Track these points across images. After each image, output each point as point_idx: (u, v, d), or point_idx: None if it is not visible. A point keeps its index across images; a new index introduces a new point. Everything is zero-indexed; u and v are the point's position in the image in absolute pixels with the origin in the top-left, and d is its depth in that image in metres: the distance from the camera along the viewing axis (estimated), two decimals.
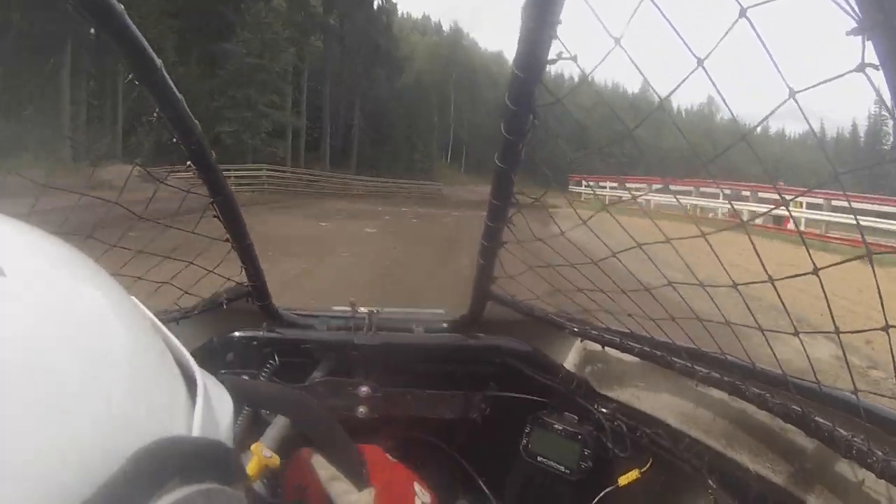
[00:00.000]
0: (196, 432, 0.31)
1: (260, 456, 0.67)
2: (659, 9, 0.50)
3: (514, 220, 0.88)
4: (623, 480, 1.01)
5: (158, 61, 0.70)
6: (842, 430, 0.60)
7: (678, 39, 0.48)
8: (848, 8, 0.35)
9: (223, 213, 0.97)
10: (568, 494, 1.09)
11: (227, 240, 1.02)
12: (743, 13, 0.42)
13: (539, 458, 1.13)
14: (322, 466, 0.72)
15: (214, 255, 1.06)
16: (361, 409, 1.18)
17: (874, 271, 0.56)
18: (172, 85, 0.73)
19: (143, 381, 0.30)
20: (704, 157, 0.60)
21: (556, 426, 1.12)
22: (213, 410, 0.35)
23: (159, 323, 0.38)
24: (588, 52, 0.56)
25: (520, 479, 1.18)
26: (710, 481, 0.84)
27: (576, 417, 1.12)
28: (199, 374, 0.36)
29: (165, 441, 0.28)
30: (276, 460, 0.67)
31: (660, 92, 0.53)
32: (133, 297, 0.36)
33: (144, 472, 0.26)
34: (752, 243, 0.59)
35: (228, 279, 1.16)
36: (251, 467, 0.68)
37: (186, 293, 1.10)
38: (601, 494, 1.04)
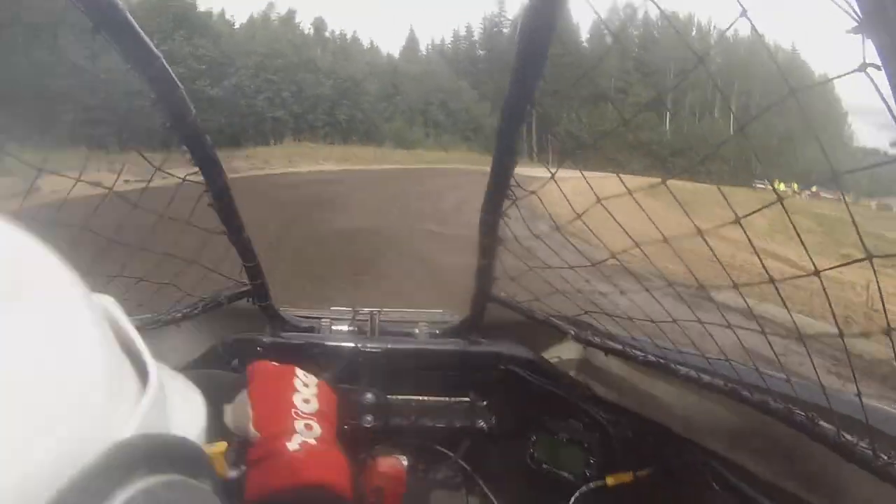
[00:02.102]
0: (133, 429, 0.30)
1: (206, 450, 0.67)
2: (659, 8, 0.50)
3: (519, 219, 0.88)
4: (612, 481, 1.01)
5: (158, 53, 0.70)
6: (845, 434, 0.60)
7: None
8: (847, 7, 0.36)
9: (220, 206, 0.93)
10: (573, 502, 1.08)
11: (222, 232, 0.99)
12: (743, 13, 0.42)
13: (545, 466, 1.13)
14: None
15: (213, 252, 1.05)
16: (368, 418, 1.17)
17: (875, 274, 0.55)
18: (172, 73, 0.73)
19: (88, 377, 0.30)
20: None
21: (562, 434, 1.12)
22: (165, 408, 0.35)
23: (118, 313, 0.38)
24: None
25: (526, 489, 1.18)
26: (714, 486, 0.83)
27: (580, 425, 1.12)
28: (153, 368, 0.35)
29: (134, 436, 0.30)
30: (221, 446, 0.67)
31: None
32: (86, 289, 0.35)
33: (114, 464, 0.27)
34: (749, 240, 0.59)
35: (228, 277, 1.15)
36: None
37: (186, 294, 1.09)
38: (584, 489, 1.03)
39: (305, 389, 0.76)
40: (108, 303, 0.38)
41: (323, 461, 0.68)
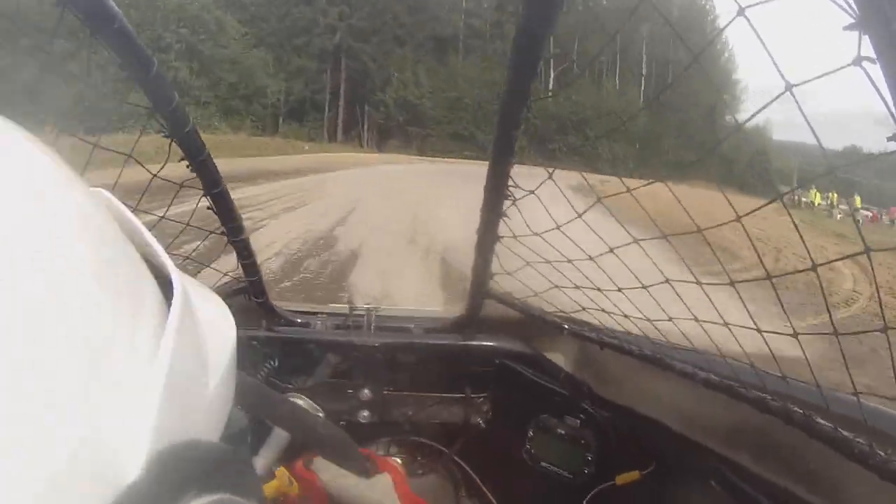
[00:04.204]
0: (166, 357, 0.25)
1: (283, 482, 0.67)
2: (657, 9, 0.50)
3: (514, 215, 0.88)
4: (621, 480, 1.00)
5: (154, 59, 0.70)
6: (843, 432, 0.60)
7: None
8: (844, 3, 0.36)
9: (218, 207, 0.96)
10: (570, 499, 1.08)
11: (222, 233, 1.01)
12: (741, 12, 0.42)
13: (542, 464, 1.13)
14: (324, 469, 0.73)
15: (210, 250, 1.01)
16: (364, 414, 1.17)
17: (872, 268, 0.55)
18: (168, 81, 0.74)
19: (108, 301, 0.24)
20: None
21: (560, 431, 1.12)
22: (195, 330, 0.29)
23: (123, 208, 0.31)
24: None
25: (522, 484, 1.18)
26: (712, 483, 0.83)
27: (578, 422, 1.12)
28: (178, 280, 0.28)
29: (185, 445, 0.27)
30: (295, 489, 0.68)
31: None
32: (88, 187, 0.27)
33: (165, 480, 0.25)
34: (749, 238, 0.59)
35: (225, 274, 1.15)
36: (271, 487, 0.68)
37: None
38: (596, 489, 1.03)
39: None
40: (109, 197, 0.31)
41: None
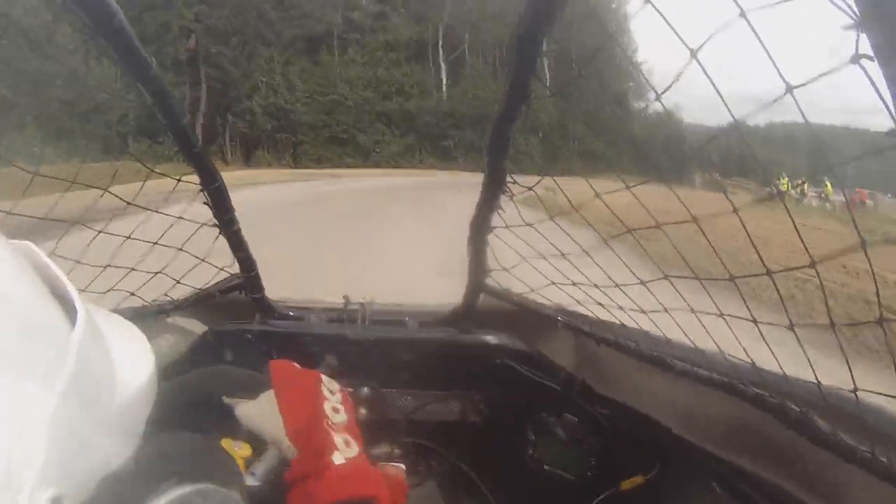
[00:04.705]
0: (66, 374, 0.28)
1: (231, 450, 0.66)
2: (652, 4, 0.49)
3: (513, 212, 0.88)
4: (626, 485, 1.00)
5: (152, 59, 0.72)
6: (843, 433, 0.59)
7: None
8: (843, 3, 0.36)
9: (214, 203, 0.96)
10: (572, 500, 1.09)
11: (215, 225, 1.01)
12: (742, 14, 0.42)
13: (546, 467, 1.13)
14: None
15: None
16: (361, 412, 1.18)
17: (869, 261, 0.55)
18: (164, 80, 0.75)
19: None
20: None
21: (561, 433, 1.12)
22: (105, 349, 0.33)
23: (41, 255, 0.36)
24: None
25: (521, 483, 1.18)
26: (714, 485, 0.83)
27: (576, 419, 1.11)
28: (80, 306, 0.33)
29: (165, 437, 0.29)
30: (247, 450, 0.67)
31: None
32: None
33: (143, 471, 0.26)
34: (746, 229, 0.59)
35: (222, 269, 1.15)
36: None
37: (178, 282, 1.09)
38: (602, 496, 1.03)
39: (332, 397, 0.74)
40: (28, 247, 0.36)
41: (371, 476, 0.68)
